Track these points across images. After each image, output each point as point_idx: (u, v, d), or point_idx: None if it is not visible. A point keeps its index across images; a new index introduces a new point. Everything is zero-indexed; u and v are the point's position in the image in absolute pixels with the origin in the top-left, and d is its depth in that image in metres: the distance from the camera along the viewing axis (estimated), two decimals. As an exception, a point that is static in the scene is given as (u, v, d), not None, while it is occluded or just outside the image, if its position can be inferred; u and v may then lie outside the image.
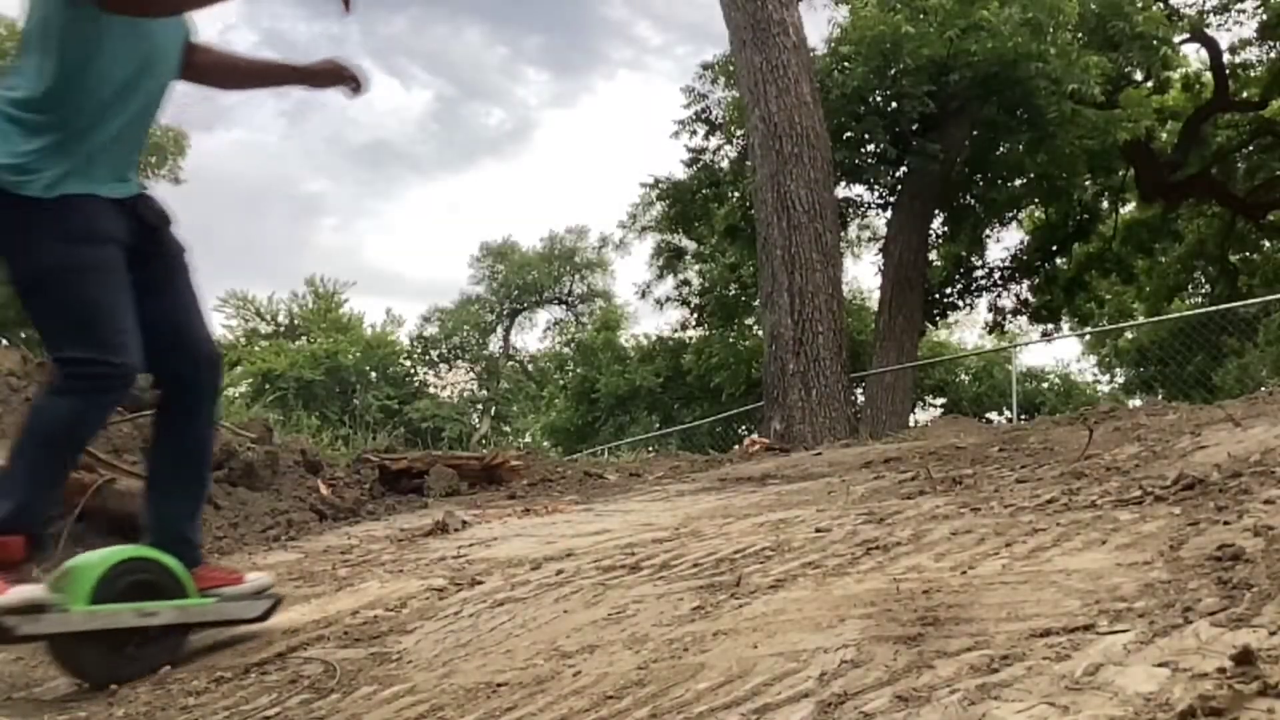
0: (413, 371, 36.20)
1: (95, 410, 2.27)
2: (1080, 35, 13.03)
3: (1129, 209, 19.02)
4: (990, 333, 19.78)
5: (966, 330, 27.54)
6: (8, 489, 2.18)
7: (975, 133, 13.76)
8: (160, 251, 2.42)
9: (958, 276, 17.97)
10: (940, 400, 22.91)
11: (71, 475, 4.22)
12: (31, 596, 2.09)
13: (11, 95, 2.24)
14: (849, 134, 12.99)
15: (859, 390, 13.04)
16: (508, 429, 33.38)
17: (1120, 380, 25.44)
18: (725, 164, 15.93)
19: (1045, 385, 25.79)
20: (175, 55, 2.42)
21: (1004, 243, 40.38)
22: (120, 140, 2.32)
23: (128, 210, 2.33)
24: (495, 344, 38.02)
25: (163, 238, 2.43)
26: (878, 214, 16.50)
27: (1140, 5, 14.03)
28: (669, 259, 19.51)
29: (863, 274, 57.15)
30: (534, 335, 45.47)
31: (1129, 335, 22.52)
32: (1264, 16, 16.20)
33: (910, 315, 13.62)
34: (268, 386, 26.84)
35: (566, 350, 33.12)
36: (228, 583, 2.45)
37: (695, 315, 19.78)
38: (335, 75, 2.60)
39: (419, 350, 37.19)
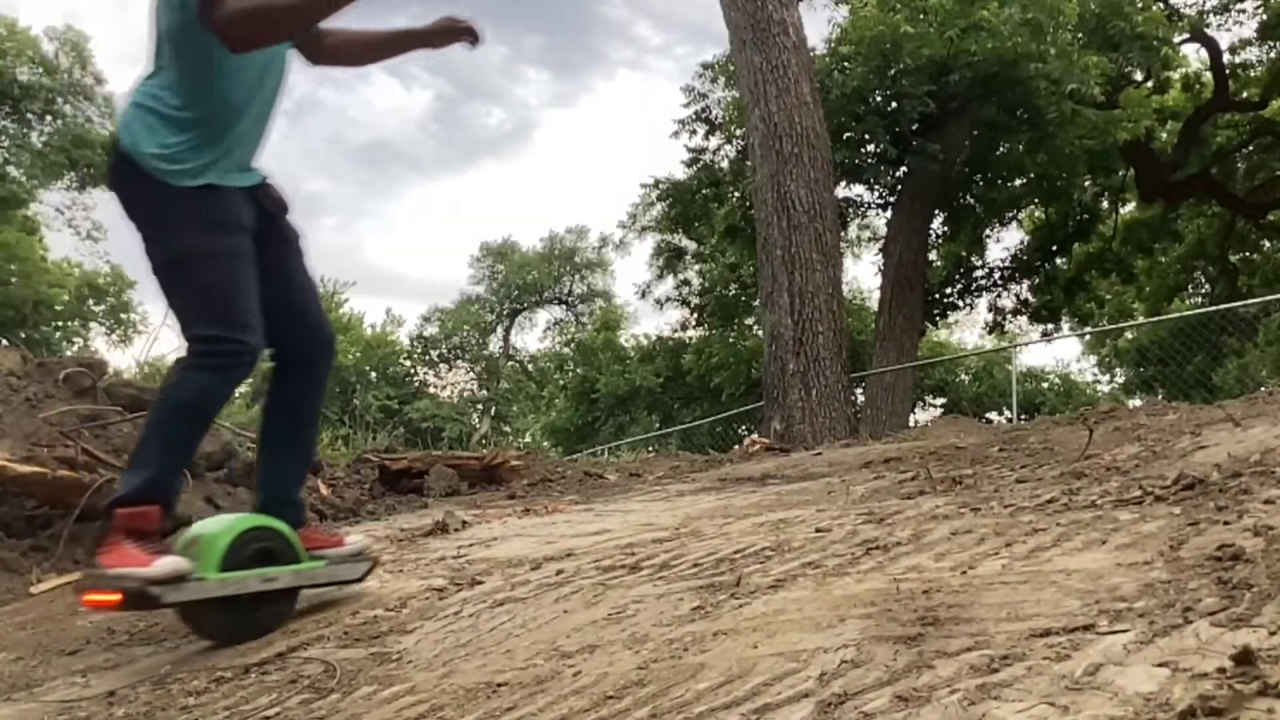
0: (413, 371, 36.21)
1: (224, 385, 2.41)
2: (1080, 35, 13.02)
3: (1129, 209, 19.03)
4: (990, 333, 19.78)
5: (966, 330, 27.58)
6: (142, 461, 2.34)
7: (975, 133, 13.76)
8: (280, 236, 2.59)
9: (958, 276, 17.97)
10: (940, 400, 22.91)
11: (72, 475, 4.23)
12: (176, 568, 2.22)
13: (156, 92, 2.40)
14: (849, 134, 12.99)
15: (859, 390, 13.04)
16: (508, 429, 33.40)
17: (1120, 380, 25.44)
18: (725, 164, 15.94)
19: (1045, 385, 25.80)
20: (288, 52, 2.59)
21: (1004, 243, 40.49)
22: (250, 133, 2.51)
23: (253, 198, 2.51)
24: (495, 344, 38.03)
25: (282, 224, 2.60)
26: (878, 214, 16.52)
27: (1140, 5, 14.03)
28: (669, 259, 19.52)
29: (863, 274, 57.17)
30: (534, 335, 45.51)
31: (1129, 335, 22.53)
32: (1264, 16, 16.21)
33: (910, 315, 13.62)
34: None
35: (566, 350, 33.13)
36: (331, 545, 2.63)
37: (695, 315, 19.79)
38: (454, 33, 2.69)
39: (419, 350, 37.20)
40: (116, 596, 2.21)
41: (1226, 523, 1.76)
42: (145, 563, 2.19)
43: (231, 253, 2.41)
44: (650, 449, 16.41)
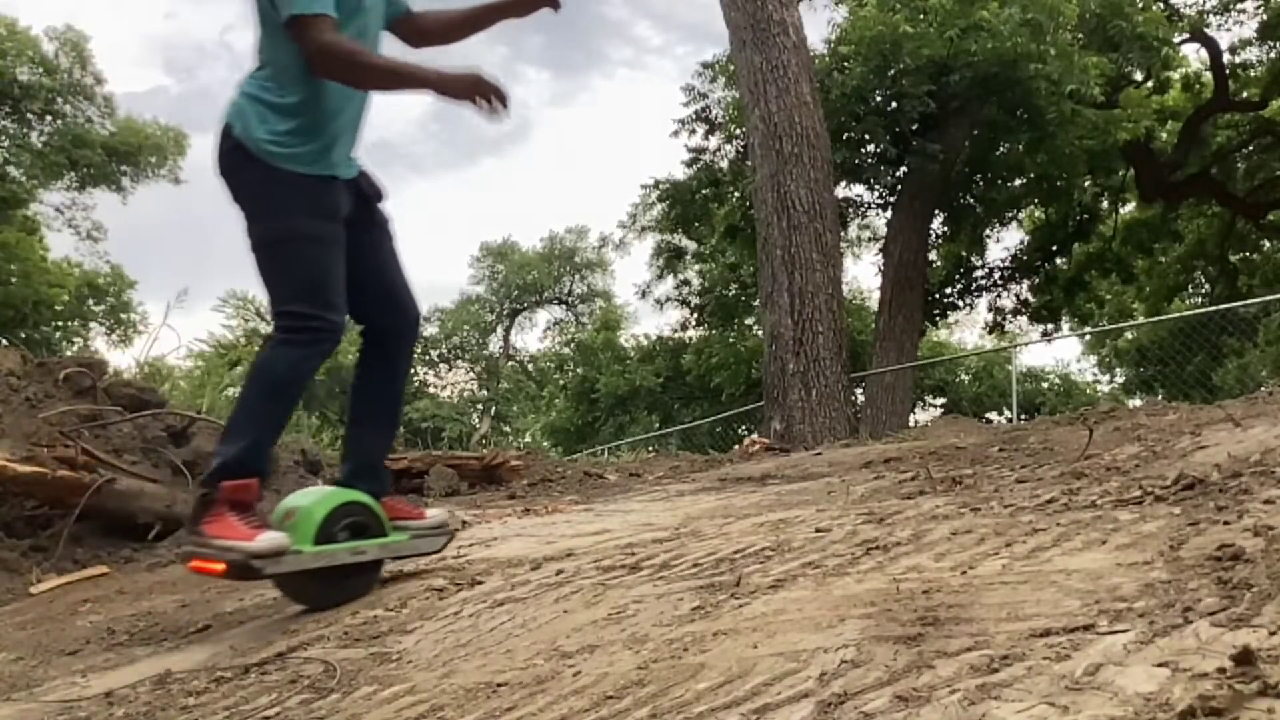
0: (413, 371, 36.19)
1: (311, 360, 2.56)
2: (1079, 36, 13.02)
3: (1129, 209, 19.03)
4: (990, 333, 19.78)
5: (966, 330, 27.59)
6: (238, 433, 2.49)
7: (975, 133, 13.75)
8: (374, 221, 2.76)
9: (958, 276, 17.97)
10: (940, 400, 22.91)
11: (72, 475, 4.23)
12: (276, 544, 2.37)
13: (264, 83, 2.57)
14: (849, 134, 12.98)
15: (859, 390, 13.03)
16: (508, 429, 33.40)
17: (1120, 380, 25.44)
18: (725, 164, 15.93)
19: (1045, 385, 25.79)
20: (380, 44, 2.75)
21: (1004, 243, 40.47)
22: (350, 127, 2.66)
23: (351, 187, 2.68)
24: (495, 344, 38.02)
25: (376, 210, 2.78)
26: (878, 214, 16.53)
27: (1140, 5, 14.02)
28: (669, 259, 19.51)
29: (863, 274, 57.16)
30: (534, 335, 45.50)
31: (1129, 335, 22.52)
32: (1264, 16, 16.21)
33: (910, 315, 13.62)
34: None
35: (566, 350, 33.12)
36: (413, 517, 2.78)
37: (695, 315, 19.79)
38: (534, 1, 2.83)
39: (419, 350, 37.18)
40: (221, 566, 2.36)
41: (1226, 523, 1.76)
42: (249, 537, 2.34)
43: (328, 239, 2.57)
44: (650, 449, 16.41)
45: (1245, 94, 17.15)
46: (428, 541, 2.77)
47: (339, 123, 2.60)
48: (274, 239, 2.54)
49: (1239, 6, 16.55)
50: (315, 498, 2.57)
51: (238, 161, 2.54)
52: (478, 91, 2.50)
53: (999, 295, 18.36)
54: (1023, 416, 14.38)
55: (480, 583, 2.52)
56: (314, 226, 2.55)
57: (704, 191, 16.08)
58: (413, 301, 2.84)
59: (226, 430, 2.55)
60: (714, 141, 16.03)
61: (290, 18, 2.45)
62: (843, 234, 14.51)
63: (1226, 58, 16.89)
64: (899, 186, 14.19)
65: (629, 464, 7.50)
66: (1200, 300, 20.91)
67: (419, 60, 2.72)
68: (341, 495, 2.59)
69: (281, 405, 2.58)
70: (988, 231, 17.53)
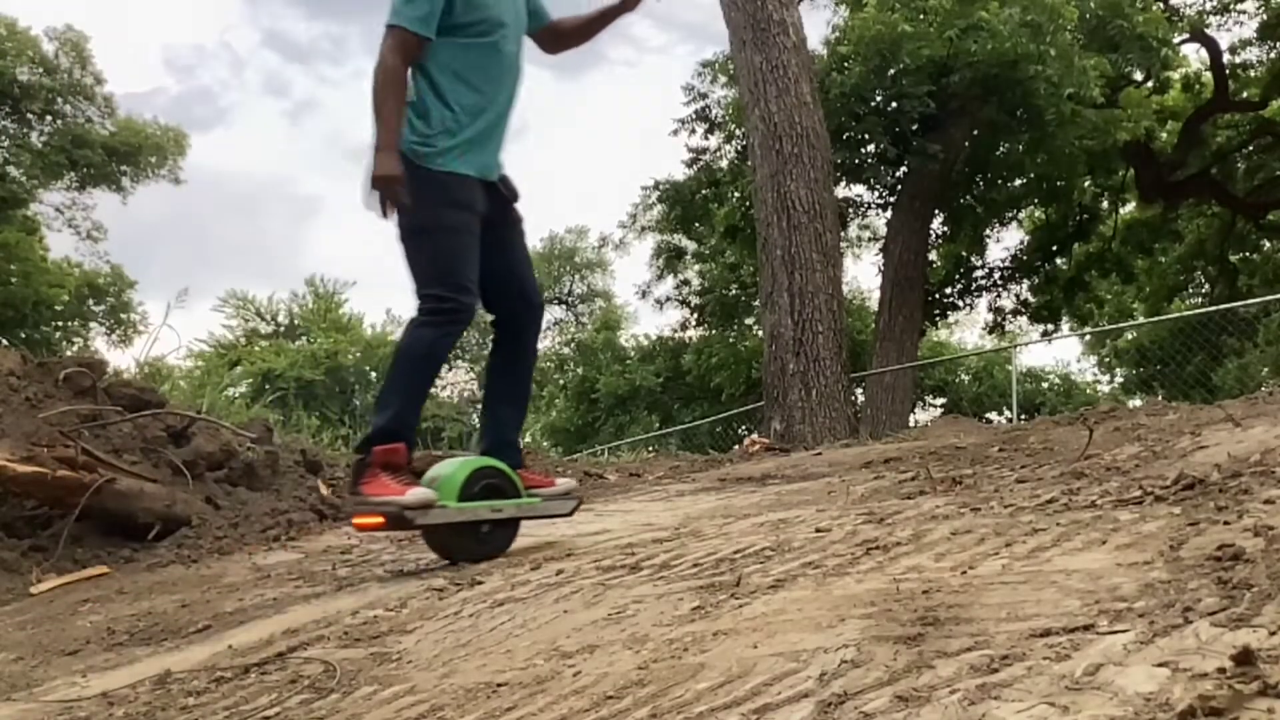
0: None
1: (448, 337, 2.90)
2: (1079, 36, 13.01)
3: (1129, 209, 19.02)
4: (990, 333, 19.77)
5: (966, 330, 27.55)
6: (386, 404, 2.81)
7: (975, 133, 13.75)
8: (509, 220, 3.08)
9: (958, 276, 17.96)
10: (940, 400, 22.90)
11: (72, 475, 4.23)
12: (425, 497, 2.68)
13: (415, 91, 2.90)
14: (849, 134, 12.98)
15: (859, 390, 13.03)
16: (507, 429, 33.29)
17: (1120, 380, 25.43)
18: (725, 164, 15.93)
19: (1045, 385, 25.77)
20: (521, 57, 3.07)
21: (1004, 243, 40.43)
22: (488, 132, 2.96)
23: (491, 188, 2.98)
24: (495, 344, 37.95)
25: (512, 210, 3.09)
26: (878, 214, 16.51)
27: (1140, 5, 14.01)
28: (669, 259, 19.50)
29: (863, 274, 57.13)
30: (534, 335, 45.42)
31: (1129, 335, 22.50)
32: (1264, 16, 16.21)
33: (910, 315, 13.62)
34: (268, 386, 26.80)
35: (566, 350, 33.10)
36: (544, 485, 3.06)
37: (695, 315, 19.78)
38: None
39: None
40: (380, 519, 2.68)
41: (1226, 523, 1.76)
42: (401, 492, 2.65)
43: (465, 230, 2.88)
44: (650, 449, 16.40)
45: (1245, 94, 17.14)
46: (558, 504, 3.06)
47: (474, 129, 2.90)
48: (420, 228, 2.85)
49: (1239, 6, 16.55)
50: (457, 463, 2.88)
51: None
52: (381, 189, 2.82)
53: (999, 295, 18.37)
54: (1023, 416, 14.36)
55: (480, 583, 2.52)
56: (448, 218, 2.85)
57: (704, 192, 16.08)
58: (538, 294, 3.18)
59: (377, 402, 2.89)
60: (714, 141, 16.04)
61: (386, 24, 2.85)
62: (843, 234, 14.51)
63: (1226, 58, 16.90)
64: (899, 186, 14.18)
65: (629, 464, 7.50)
66: (1200, 300, 20.89)
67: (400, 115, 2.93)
68: (480, 461, 2.90)
69: (422, 378, 2.90)
70: (988, 231, 17.53)
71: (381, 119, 2.82)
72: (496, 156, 3.03)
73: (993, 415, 19.61)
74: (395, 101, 2.85)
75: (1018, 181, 15.57)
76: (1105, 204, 18.55)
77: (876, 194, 15.19)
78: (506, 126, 3.05)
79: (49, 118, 21.35)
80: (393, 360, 2.92)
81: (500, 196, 3.03)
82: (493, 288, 3.00)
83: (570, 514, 3.12)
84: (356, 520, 2.77)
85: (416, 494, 2.67)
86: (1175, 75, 17.42)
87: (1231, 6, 16.55)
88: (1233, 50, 17.17)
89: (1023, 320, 19.13)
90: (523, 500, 2.92)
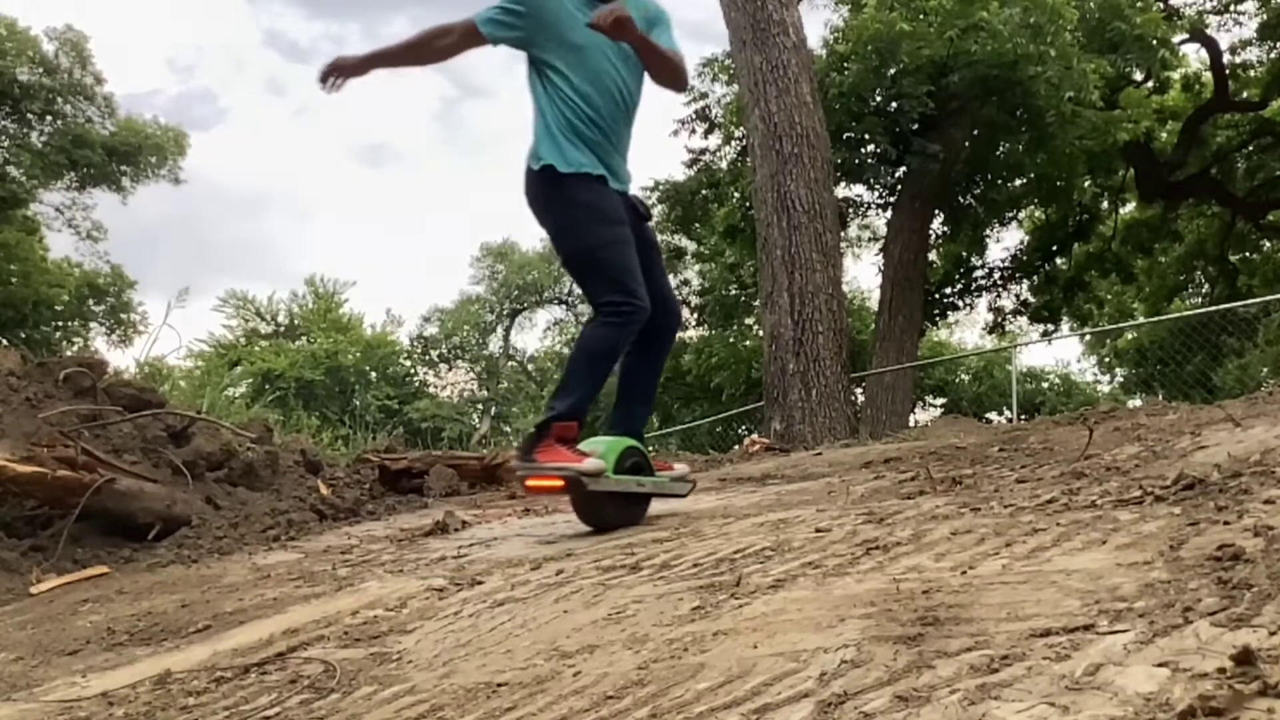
0: (413, 371, 36.17)
1: (624, 336, 3.18)
2: (1079, 35, 13.01)
3: (1129, 209, 19.01)
4: (990, 333, 19.78)
5: (966, 330, 27.56)
6: (567, 391, 3.14)
7: (975, 133, 13.74)
8: (645, 240, 3.31)
9: (958, 276, 17.95)
10: (940, 400, 22.90)
11: (72, 475, 4.23)
12: (598, 466, 3.01)
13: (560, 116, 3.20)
14: (849, 134, 12.98)
15: (859, 390, 13.02)
16: (508, 429, 33.36)
17: (1120, 380, 25.42)
18: (725, 164, 15.93)
19: (1045, 385, 25.77)
20: (634, 72, 3.26)
21: (1004, 243, 40.40)
22: (609, 144, 3.21)
23: (625, 200, 3.26)
24: (495, 344, 38.00)
25: (646, 229, 3.36)
26: (878, 214, 16.50)
27: (1139, 6, 14.01)
28: (669, 259, 19.49)
29: (863, 274, 57.13)
30: (534, 335, 45.52)
31: (1129, 335, 22.50)
32: (1264, 16, 16.20)
33: (910, 315, 13.61)
34: (268, 386, 26.81)
35: (566, 350, 33.09)
36: (664, 469, 3.39)
37: (695, 315, 19.77)
38: None
39: (419, 350, 37.16)
40: (559, 482, 3.00)
41: (1226, 523, 1.76)
42: (579, 460, 2.97)
43: (624, 240, 3.15)
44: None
45: (1245, 94, 17.13)
46: (679, 485, 3.39)
47: (610, 145, 3.20)
48: (585, 248, 3.20)
49: (1239, 7, 16.55)
50: (610, 441, 3.20)
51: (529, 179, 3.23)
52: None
53: (999, 295, 18.36)
54: (1023, 416, 14.36)
55: (480, 583, 2.52)
56: (610, 232, 3.14)
57: (704, 192, 16.07)
58: (674, 302, 3.48)
59: (559, 388, 3.21)
60: (714, 141, 16.04)
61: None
62: (843, 234, 14.51)
63: (1226, 58, 16.89)
64: (899, 186, 14.18)
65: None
66: (1200, 300, 20.88)
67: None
68: (627, 441, 3.24)
69: (600, 371, 3.19)
70: (988, 231, 17.52)
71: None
72: (625, 166, 3.38)
73: (993, 415, 19.61)
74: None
75: (1018, 181, 15.55)
76: (1105, 204, 18.54)
77: (876, 194, 15.18)
78: (625, 140, 3.37)
79: (49, 118, 21.35)
80: (573, 353, 3.29)
81: (634, 211, 3.35)
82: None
83: (686, 495, 3.44)
84: (531, 482, 3.07)
85: (591, 463, 2.99)
86: (1175, 75, 17.41)
87: (1231, 6, 16.55)
88: (1233, 50, 17.18)
89: (1023, 320, 19.14)
90: (657, 479, 3.26)
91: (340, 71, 3.30)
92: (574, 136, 3.13)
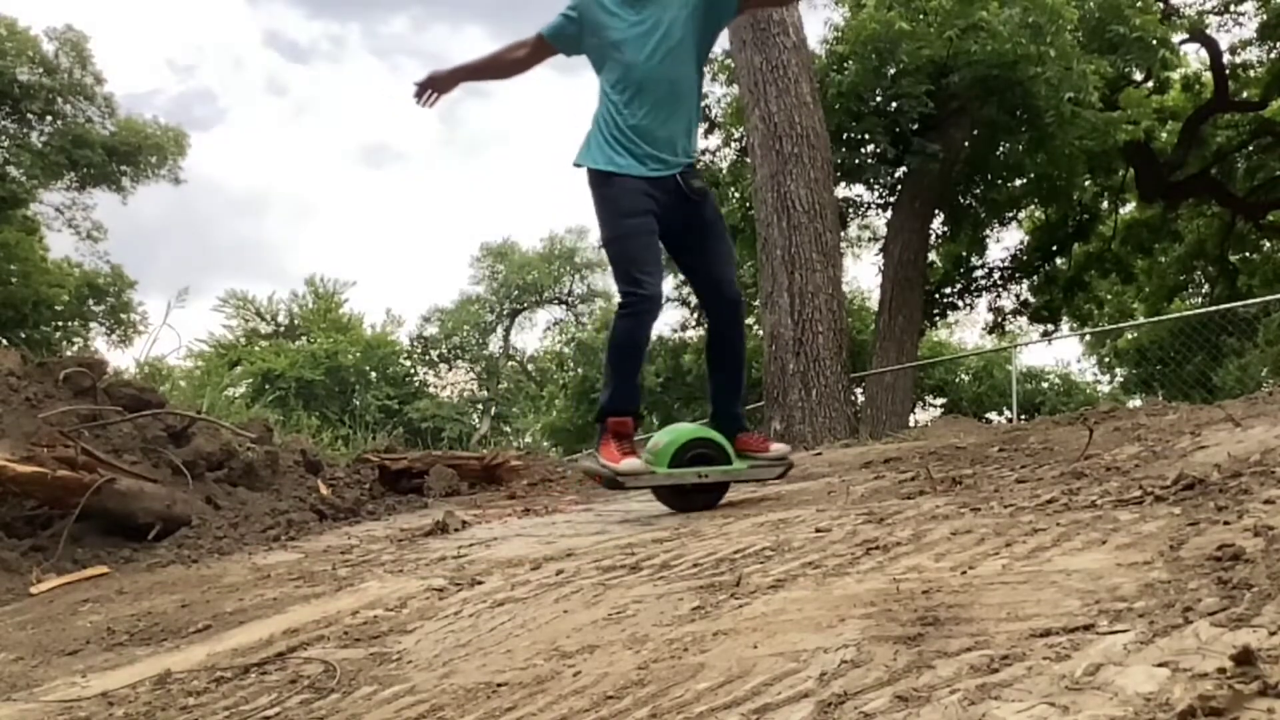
0: (413, 371, 36.17)
1: (638, 326, 3.31)
2: (1078, 35, 13.01)
3: (1129, 209, 19.01)
4: (990, 333, 19.77)
5: (966, 330, 27.57)
6: (606, 384, 3.32)
7: (975, 133, 13.74)
8: (701, 220, 3.39)
9: (958, 276, 17.96)
10: (940, 400, 22.90)
11: (72, 475, 4.23)
12: (633, 466, 3.19)
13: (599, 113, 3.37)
14: (849, 134, 12.97)
15: (859, 390, 13.02)
16: (508, 429, 33.38)
17: (1120, 380, 25.42)
18: (725, 164, 15.92)
19: (1045, 385, 25.77)
20: (687, 52, 3.32)
21: (1004, 243, 40.43)
22: (650, 127, 3.27)
23: (667, 185, 3.30)
24: (495, 344, 38.00)
25: (704, 208, 3.39)
26: (878, 214, 16.50)
27: (1139, 6, 14.01)
28: (669, 259, 19.47)
29: (863, 274, 57.12)
30: (534, 335, 45.52)
31: (1129, 335, 22.50)
32: (1264, 17, 16.20)
33: (910, 315, 13.61)
34: (268, 386, 26.82)
35: (566, 350, 33.10)
36: (760, 450, 3.44)
37: (695, 315, 19.77)
38: None
39: (419, 350, 37.16)
40: (598, 478, 3.30)
41: (1226, 523, 1.76)
42: (617, 460, 3.18)
43: (636, 232, 3.27)
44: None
45: (1245, 94, 17.13)
46: (765, 470, 3.43)
47: (631, 127, 3.25)
48: (605, 240, 3.38)
49: (1239, 7, 16.55)
50: (673, 434, 3.35)
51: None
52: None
53: (999, 295, 18.37)
54: (1023, 416, 14.36)
55: (480, 583, 2.52)
56: (622, 226, 3.28)
57: (703, 192, 16.04)
58: (731, 287, 3.46)
59: (604, 383, 3.38)
60: (714, 141, 16.04)
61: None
62: (843, 234, 14.50)
63: (1226, 58, 16.88)
64: (899, 186, 14.18)
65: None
66: (1200, 300, 20.88)
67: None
68: (694, 432, 3.37)
69: (629, 361, 3.32)
70: (988, 231, 17.52)
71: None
72: (671, 151, 3.42)
73: (993, 415, 19.63)
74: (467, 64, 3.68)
75: (1018, 181, 15.56)
76: (1105, 204, 18.54)
77: (876, 194, 15.18)
78: (674, 120, 3.41)
79: (49, 118, 21.34)
80: (606, 348, 3.42)
81: (684, 195, 3.41)
82: (695, 284, 3.61)
83: (780, 477, 3.52)
84: (585, 474, 3.45)
85: (626, 464, 3.18)
86: (1175, 75, 17.42)
87: (1231, 6, 16.54)
88: (1233, 50, 17.17)
89: (1023, 320, 19.14)
90: (729, 467, 3.32)
91: (435, 85, 3.55)
92: (603, 133, 3.29)
